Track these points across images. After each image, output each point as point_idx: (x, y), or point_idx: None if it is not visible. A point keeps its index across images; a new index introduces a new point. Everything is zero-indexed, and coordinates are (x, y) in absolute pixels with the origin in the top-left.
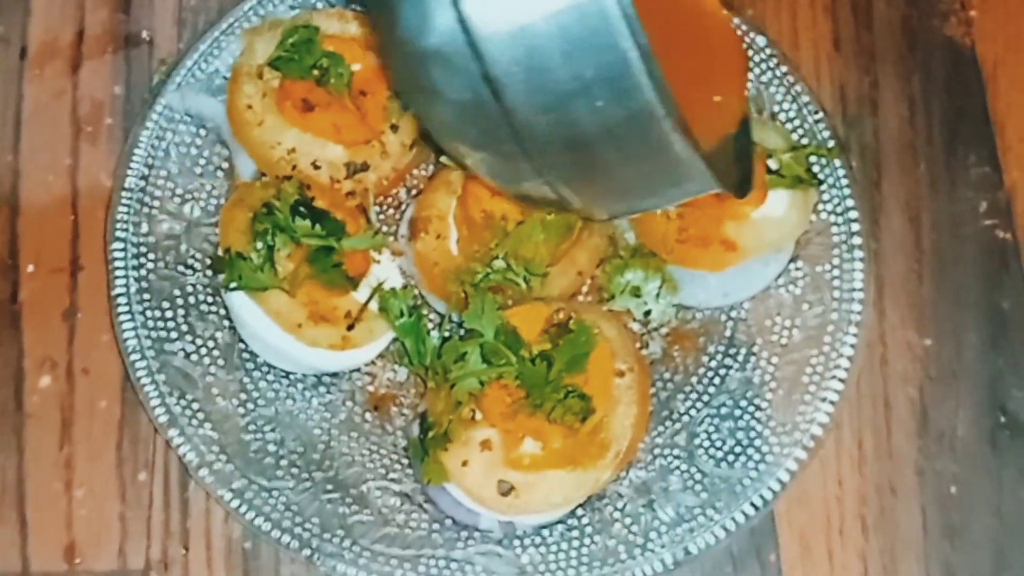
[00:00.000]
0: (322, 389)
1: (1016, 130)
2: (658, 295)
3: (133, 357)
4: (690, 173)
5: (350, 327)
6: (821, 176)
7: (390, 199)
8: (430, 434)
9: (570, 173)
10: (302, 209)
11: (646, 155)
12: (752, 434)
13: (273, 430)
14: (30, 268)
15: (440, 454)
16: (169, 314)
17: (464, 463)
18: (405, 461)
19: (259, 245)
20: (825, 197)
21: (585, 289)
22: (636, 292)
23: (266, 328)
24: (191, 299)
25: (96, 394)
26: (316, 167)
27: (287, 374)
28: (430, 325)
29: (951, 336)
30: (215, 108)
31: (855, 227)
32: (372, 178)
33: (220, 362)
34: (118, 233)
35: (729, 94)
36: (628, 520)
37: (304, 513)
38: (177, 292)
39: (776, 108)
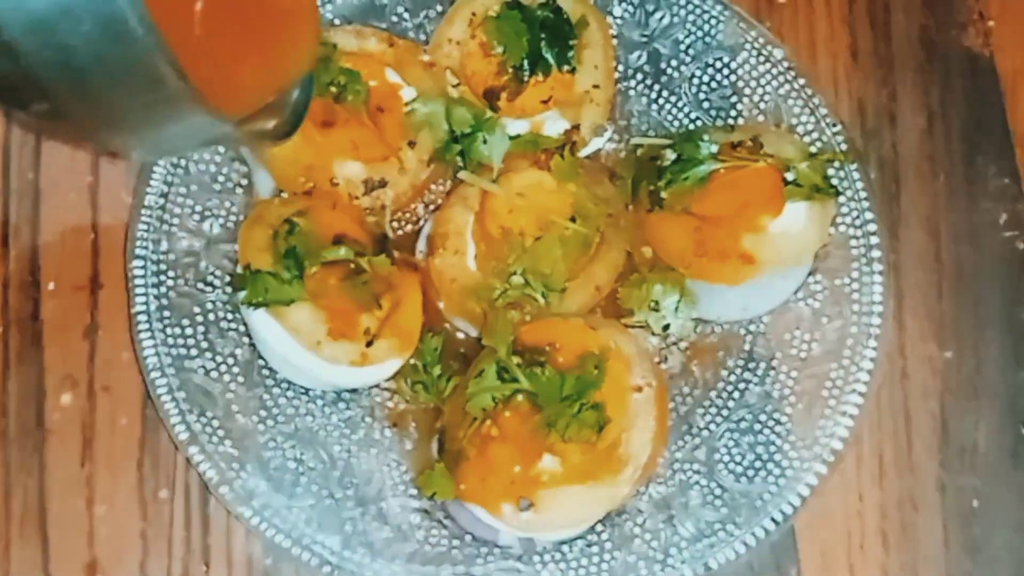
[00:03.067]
0: (341, 405)
1: None
2: (677, 309)
3: (153, 374)
4: (185, 109)
5: (369, 344)
6: (839, 188)
7: (408, 215)
8: (447, 449)
9: (71, 98)
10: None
11: (137, 85)
12: (772, 448)
13: (293, 447)
14: (51, 286)
15: (456, 470)
16: (189, 331)
17: (483, 479)
18: None
19: (286, 259)
20: (844, 210)
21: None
22: (655, 306)
23: (286, 345)
24: (211, 316)
25: (117, 412)
26: (334, 184)
27: (307, 391)
28: None
29: (971, 349)
30: None
31: (874, 240)
32: (390, 194)
33: (240, 379)
34: (138, 251)
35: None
36: (648, 536)
37: (324, 530)
38: (197, 309)
39: (794, 120)
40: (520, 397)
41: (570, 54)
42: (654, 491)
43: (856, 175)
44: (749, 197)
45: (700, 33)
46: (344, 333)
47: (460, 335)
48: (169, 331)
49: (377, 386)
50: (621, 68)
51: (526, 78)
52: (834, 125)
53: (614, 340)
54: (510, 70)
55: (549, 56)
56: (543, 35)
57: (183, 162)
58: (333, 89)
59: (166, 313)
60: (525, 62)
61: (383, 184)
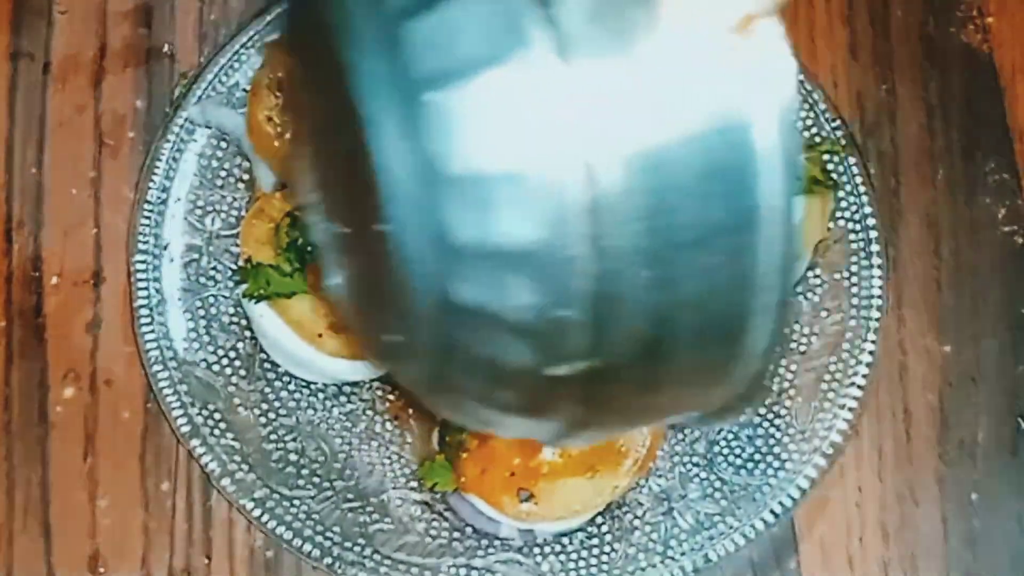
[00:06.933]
0: (343, 399)
1: None
2: None
3: (155, 368)
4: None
5: None
6: (838, 183)
7: None
8: (447, 441)
9: (630, 369)
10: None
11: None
12: (771, 441)
13: (294, 440)
14: (53, 280)
15: (458, 462)
16: (190, 325)
17: (483, 471)
18: None
19: (288, 252)
20: (843, 204)
21: None
22: None
23: (287, 338)
24: (212, 310)
25: (119, 405)
26: None
27: (308, 384)
28: None
29: (970, 343)
30: (235, 121)
31: (873, 234)
32: None
33: (242, 372)
34: (140, 245)
35: None
36: (648, 528)
37: (325, 522)
38: (198, 303)
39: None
40: None
41: None
42: (654, 484)
43: (855, 170)
44: None
45: None
46: (345, 326)
47: None
48: (171, 325)
49: (378, 379)
50: None
51: None
52: (833, 120)
53: None
54: None
55: None
56: None
57: (185, 157)
58: None
59: (167, 307)
60: None
61: None
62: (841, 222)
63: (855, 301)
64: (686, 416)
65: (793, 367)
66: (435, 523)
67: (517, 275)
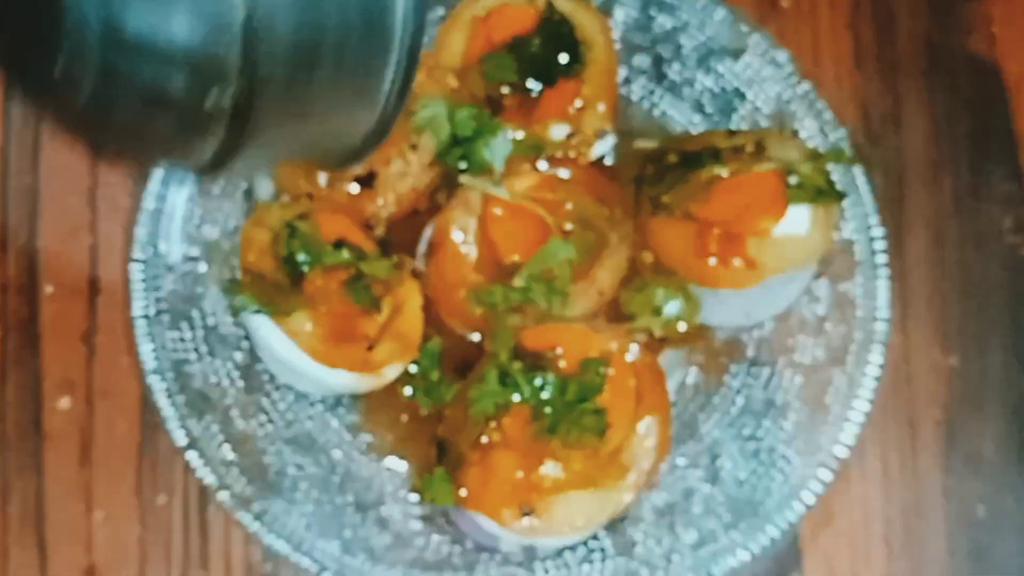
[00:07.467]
0: (341, 410)
1: None
2: (679, 315)
3: (152, 379)
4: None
5: (369, 348)
6: (844, 193)
7: (409, 218)
8: (447, 456)
9: (281, 82)
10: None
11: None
12: (775, 455)
13: (292, 452)
14: (49, 290)
15: (457, 476)
16: (188, 336)
17: (484, 485)
18: None
19: (287, 263)
20: (848, 215)
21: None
22: (657, 312)
23: (285, 350)
24: (210, 321)
25: (115, 416)
26: (335, 187)
27: (306, 395)
28: None
29: (976, 355)
30: None
31: (878, 245)
32: (391, 197)
33: (239, 384)
34: (137, 255)
35: None
36: (651, 543)
37: (324, 535)
38: (196, 314)
39: (798, 125)
40: (522, 402)
41: (575, 66)
42: (656, 498)
43: (860, 180)
44: (751, 201)
45: (703, 37)
46: (344, 338)
47: (461, 340)
48: (168, 335)
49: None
50: (623, 72)
51: (534, 94)
52: (838, 130)
53: (617, 345)
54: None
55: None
56: (545, 49)
57: None
58: None
59: (165, 317)
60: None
61: (372, 175)
62: (846, 233)
63: (860, 313)
64: (330, 151)
65: (798, 380)
66: (435, 537)
67: (178, 5)
